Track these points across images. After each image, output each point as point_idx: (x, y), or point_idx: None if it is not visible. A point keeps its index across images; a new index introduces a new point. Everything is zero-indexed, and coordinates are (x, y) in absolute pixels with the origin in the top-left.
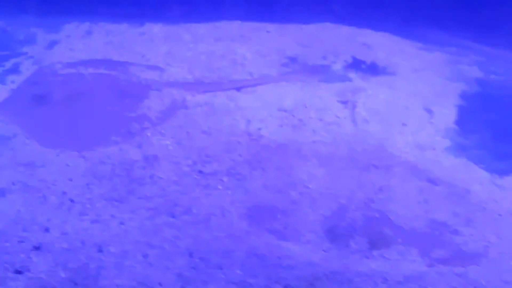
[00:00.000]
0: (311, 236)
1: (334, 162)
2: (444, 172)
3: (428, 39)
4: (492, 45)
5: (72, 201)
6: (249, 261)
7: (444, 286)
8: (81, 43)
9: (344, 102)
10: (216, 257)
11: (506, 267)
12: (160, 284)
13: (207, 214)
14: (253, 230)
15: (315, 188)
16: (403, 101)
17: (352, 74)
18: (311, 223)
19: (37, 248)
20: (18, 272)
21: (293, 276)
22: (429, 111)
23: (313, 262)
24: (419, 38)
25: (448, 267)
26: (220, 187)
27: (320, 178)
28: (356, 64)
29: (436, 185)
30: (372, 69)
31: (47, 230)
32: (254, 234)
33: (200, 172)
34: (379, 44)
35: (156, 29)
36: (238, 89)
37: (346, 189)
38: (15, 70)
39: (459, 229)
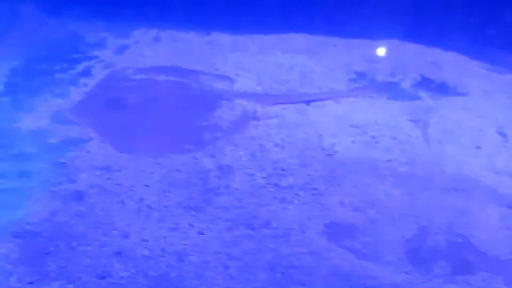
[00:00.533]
0: (391, 257)
1: (412, 182)
2: None
3: (497, 61)
4: None
5: (149, 207)
6: (332, 280)
7: None
8: (150, 49)
9: (416, 121)
10: (298, 273)
11: None
12: None
13: (286, 229)
14: (333, 248)
15: (394, 208)
16: (476, 123)
17: (421, 93)
18: (391, 244)
19: (118, 253)
20: (101, 277)
21: None
22: (503, 134)
23: (397, 284)
24: (488, 59)
25: None
26: (296, 201)
27: (398, 198)
28: (425, 83)
29: None
30: (442, 89)
31: (127, 236)
32: (334, 252)
33: (276, 185)
34: (448, 63)
35: (223, 38)
36: (307, 102)
37: (426, 211)
38: (87, 73)
39: None
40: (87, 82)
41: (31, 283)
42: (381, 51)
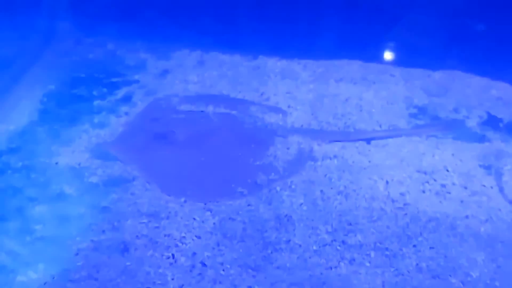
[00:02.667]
0: None
1: (496, 246)
2: None
3: None
4: None
5: (203, 264)
6: None
7: None
8: (194, 74)
9: (487, 167)
10: None
11: None
12: None
13: None
14: None
15: (479, 278)
16: None
17: (490, 134)
18: None
19: None
20: None
21: None
22: None
23: None
24: None
25: None
26: (368, 264)
27: (483, 266)
28: (492, 122)
29: None
30: None
31: None
32: None
33: (344, 242)
34: None
35: (270, 63)
36: (367, 141)
37: None
38: (127, 100)
39: None
40: (128, 110)
41: None
42: (442, 83)
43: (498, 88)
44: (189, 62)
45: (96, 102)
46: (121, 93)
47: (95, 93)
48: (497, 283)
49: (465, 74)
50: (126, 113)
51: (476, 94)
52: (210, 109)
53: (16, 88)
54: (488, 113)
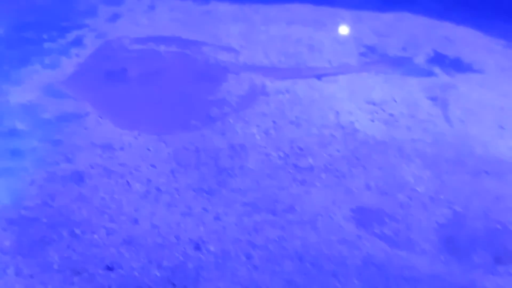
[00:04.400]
0: (426, 245)
1: (440, 164)
2: None
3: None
4: None
5: (158, 190)
6: (367, 270)
7: None
8: (145, 18)
9: (434, 99)
10: (329, 263)
11: None
12: None
13: (312, 214)
14: (364, 235)
15: (424, 192)
16: (496, 102)
17: (436, 69)
18: (425, 231)
19: (127, 242)
20: (109, 268)
21: None
22: None
23: (437, 275)
24: (502, 34)
25: None
26: (318, 184)
27: (428, 181)
28: (439, 59)
29: None
30: (457, 65)
31: (136, 221)
32: (365, 240)
33: (295, 166)
34: (461, 38)
35: (222, 8)
36: (318, 77)
37: (460, 195)
38: (78, 42)
39: None
40: (79, 52)
41: (31, 276)
42: (391, 24)
43: (444, 28)
44: (140, 7)
45: (46, 45)
46: (71, 36)
47: (45, 36)
48: (441, 196)
49: (413, 15)
50: (77, 55)
51: (423, 33)
52: (162, 48)
53: None
54: (435, 51)
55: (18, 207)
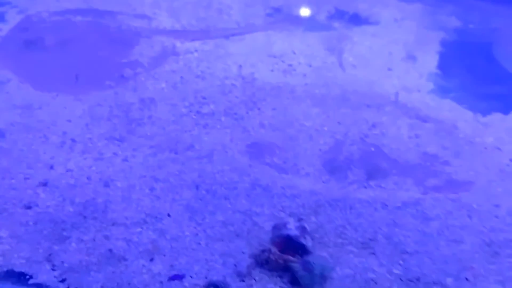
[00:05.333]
0: (310, 169)
1: (327, 102)
2: (432, 111)
3: None
4: None
5: (73, 140)
6: (254, 192)
7: (440, 210)
8: None
9: (331, 49)
10: (222, 188)
11: (495, 192)
12: (168, 215)
13: (209, 150)
14: (255, 164)
15: (311, 126)
16: (387, 48)
17: (336, 24)
18: (310, 157)
19: (43, 184)
20: (27, 207)
21: (297, 204)
22: (412, 57)
23: (315, 191)
24: None
25: (442, 194)
26: (218, 126)
27: (315, 117)
28: (339, 15)
29: (425, 122)
30: (355, 19)
31: (51, 167)
32: (256, 168)
33: (198, 112)
34: None
35: None
36: (226, 37)
37: (341, 126)
38: (1, 18)
39: (449, 161)
40: (2, 27)
41: None
42: None
43: None
44: None
45: None
46: None
47: None
48: (325, 128)
49: None
50: (0, 29)
51: None
52: (78, 19)
53: None
54: (336, 8)
55: None
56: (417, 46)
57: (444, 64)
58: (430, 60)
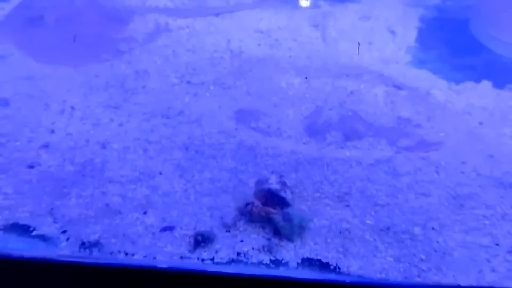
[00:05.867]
0: (292, 132)
1: (309, 72)
2: (408, 80)
3: None
4: None
5: (72, 108)
6: (239, 152)
7: (410, 167)
8: None
9: (315, 26)
10: (210, 149)
11: (462, 152)
12: (160, 173)
13: (198, 116)
14: (241, 128)
15: (294, 94)
16: (368, 24)
17: (320, 2)
18: (292, 122)
19: (45, 146)
20: (30, 167)
21: (279, 163)
22: (392, 32)
23: (296, 151)
24: None
25: (413, 153)
26: (208, 94)
27: (298, 86)
28: None
29: (401, 89)
30: None
31: (53, 131)
32: (242, 131)
33: (189, 82)
34: None
35: None
36: (216, 15)
37: (321, 93)
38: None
39: (422, 124)
40: (3, 6)
41: None
42: None
43: None
44: None
45: None
46: None
47: None
48: (307, 95)
49: None
50: (2, 8)
51: None
52: None
53: None
54: None
55: None
56: (397, 22)
57: (423, 38)
58: (409, 35)
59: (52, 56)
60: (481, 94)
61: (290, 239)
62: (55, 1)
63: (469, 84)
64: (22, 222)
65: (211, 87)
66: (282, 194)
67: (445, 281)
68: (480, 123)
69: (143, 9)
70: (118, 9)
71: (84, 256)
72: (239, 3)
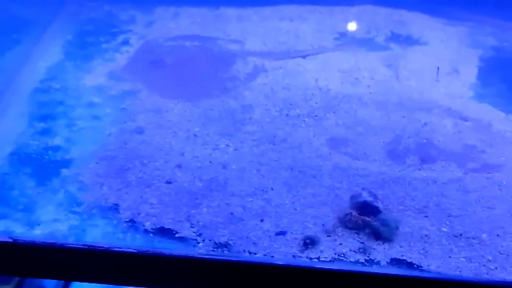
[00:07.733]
0: (376, 156)
1: (388, 107)
2: (472, 112)
3: (451, 16)
4: (504, 19)
5: (195, 135)
6: (334, 173)
7: (477, 185)
8: (172, 22)
9: (389, 66)
10: (310, 170)
11: None
12: (272, 189)
13: (298, 143)
14: (334, 153)
15: (376, 124)
16: (435, 64)
17: (392, 45)
18: (375, 148)
19: (178, 166)
20: (168, 182)
21: (368, 181)
22: (456, 70)
23: (381, 172)
24: (444, 15)
25: (478, 174)
26: (303, 125)
27: (379, 118)
28: (394, 37)
29: (466, 121)
30: (408, 41)
31: (182, 154)
32: (334, 155)
33: (287, 115)
34: (412, 21)
35: (229, 12)
36: (303, 57)
37: (399, 124)
38: (126, 43)
39: (485, 150)
40: (128, 49)
41: (118, 189)
42: (357, 15)
43: (399, 14)
44: (167, 15)
45: (104, 45)
46: (120, 39)
47: (101, 39)
48: (387, 126)
49: (374, 7)
50: (127, 51)
51: (382, 20)
52: (187, 43)
53: (43, 38)
54: (392, 32)
55: (103, 149)
56: (460, 62)
57: (483, 76)
58: (471, 73)
59: (173, 92)
60: None
61: (390, 240)
62: (171, 47)
63: None
64: (166, 226)
65: (306, 119)
66: (376, 204)
67: (510, 278)
68: None
69: (243, 53)
70: (224, 52)
71: (218, 254)
72: (322, 46)
